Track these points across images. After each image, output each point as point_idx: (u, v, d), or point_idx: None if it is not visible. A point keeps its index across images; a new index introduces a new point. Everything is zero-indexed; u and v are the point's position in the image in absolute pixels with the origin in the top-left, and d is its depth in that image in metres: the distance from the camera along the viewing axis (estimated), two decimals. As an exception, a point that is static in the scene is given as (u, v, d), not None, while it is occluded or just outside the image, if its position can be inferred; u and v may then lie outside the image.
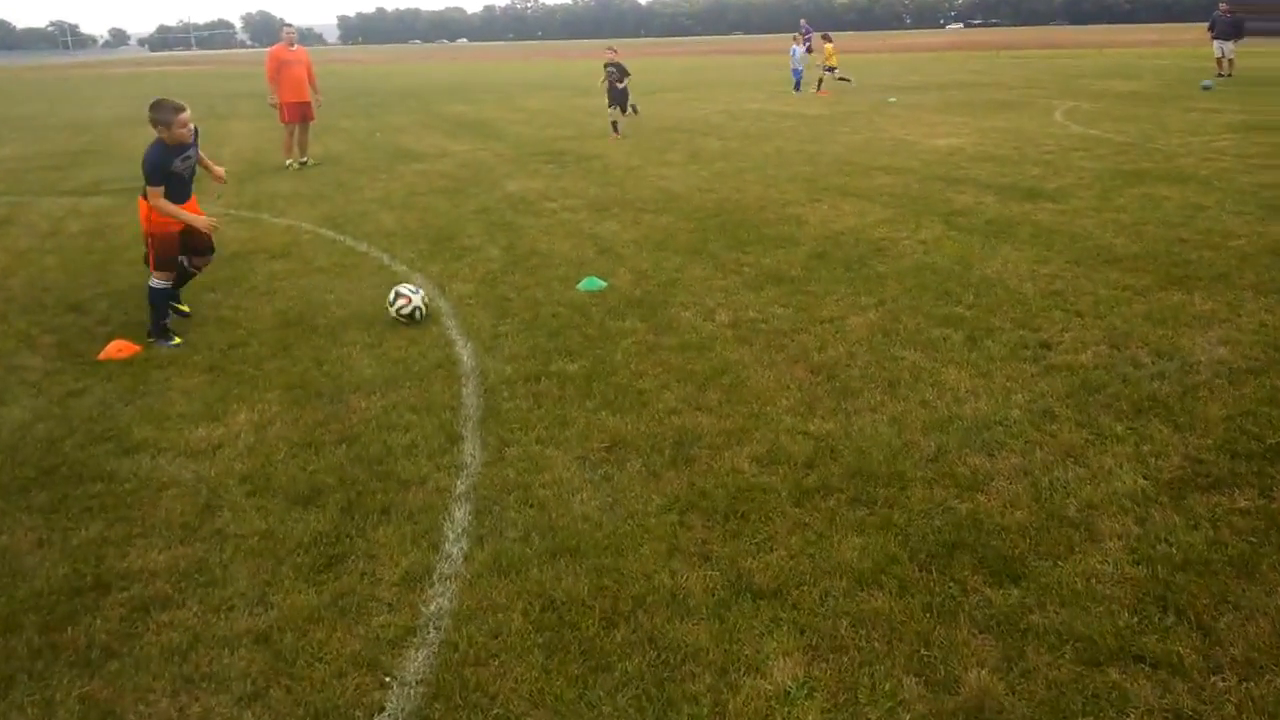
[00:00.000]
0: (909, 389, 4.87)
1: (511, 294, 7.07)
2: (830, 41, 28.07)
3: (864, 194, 10.29)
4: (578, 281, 7.25)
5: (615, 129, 16.82)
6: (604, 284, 7.15)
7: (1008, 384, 4.88)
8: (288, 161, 14.43)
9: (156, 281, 6.32)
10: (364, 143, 17.71)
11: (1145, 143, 13.42)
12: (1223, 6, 27.65)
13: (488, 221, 9.78)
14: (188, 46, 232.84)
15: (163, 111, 6.00)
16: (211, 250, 6.76)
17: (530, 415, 4.79)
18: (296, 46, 14.20)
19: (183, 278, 6.72)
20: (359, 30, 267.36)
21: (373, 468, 4.31)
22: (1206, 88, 22.41)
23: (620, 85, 16.86)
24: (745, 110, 21.86)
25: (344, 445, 4.57)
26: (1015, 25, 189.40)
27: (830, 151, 13.96)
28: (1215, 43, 27.42)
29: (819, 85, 26.47)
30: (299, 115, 14.24)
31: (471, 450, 4.44)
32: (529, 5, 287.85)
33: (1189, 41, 63.79)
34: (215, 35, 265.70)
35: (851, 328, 5.87)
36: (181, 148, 6.17)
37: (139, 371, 5.76)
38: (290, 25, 14.46)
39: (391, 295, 6.47)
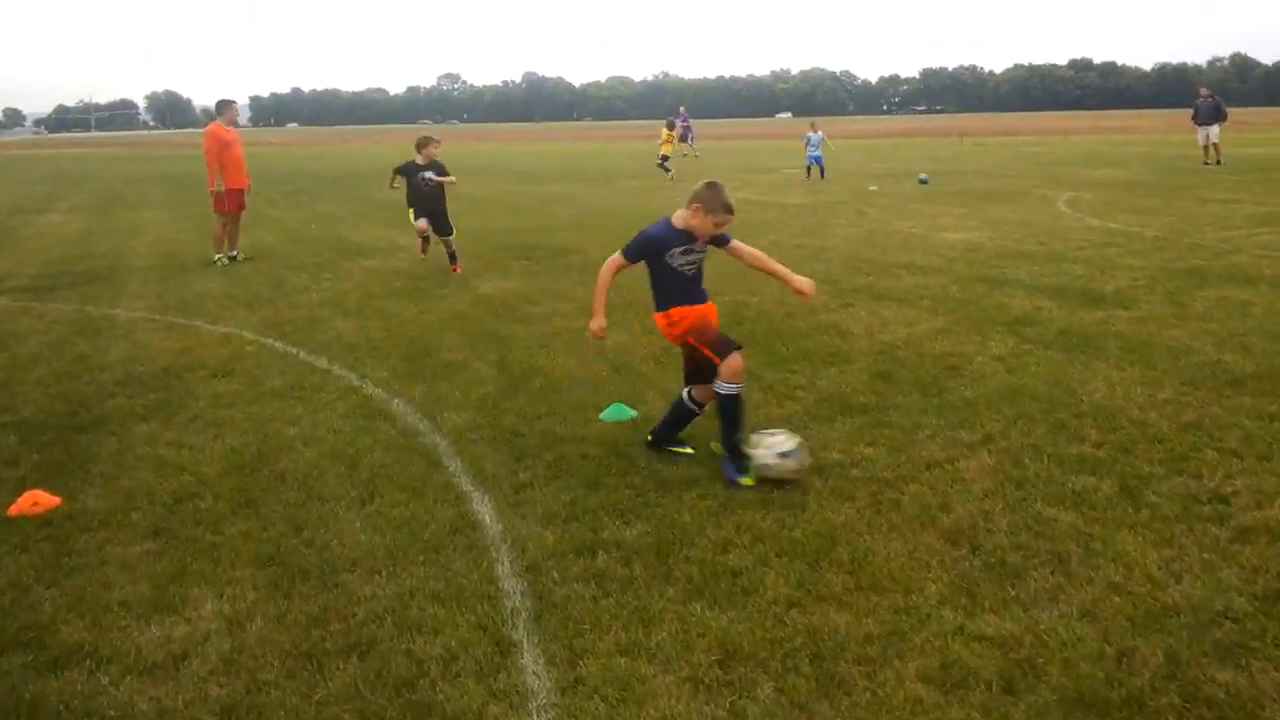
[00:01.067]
0: (1085, 566, 4.08)
1: (522, 426, 6.18)
2: (674, 129, 29.97)
3: (900, 297, 9.70)
4: (600, 410, 6.41)
5: None
6: (633, 413, 6.32)
7: (1205, 556, 4.12)
8: (216, 256, 13.47)
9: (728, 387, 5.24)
10: (299, 234, 16.85)
11: (1179, 237, 13.23)
12: (1204, 91, 28.56)
13: (468, 331, 8.93)
14: (87, 128, 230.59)
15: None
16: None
17: (599, 609, 3.88)
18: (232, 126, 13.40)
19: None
20: (273, 111, 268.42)
21: (403, 696, 3.34)
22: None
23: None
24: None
25: (355, 658, 3.59)
26: (961, 112, 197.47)
27: (835, 246, 13.49)
28: (1199, 129, 28.20)
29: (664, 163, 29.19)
30: (238, 205, 13.35)
31: (533, 666, 3.50)
32: (455, 86, 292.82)
33: (1151, 128, 66.90)
34: (116, 116, 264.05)
35: (969, 475, 5.10)
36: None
37: (61, 535, 4.73)
38: (233, 100, 13.66)
39: (771, 449, 5.06)
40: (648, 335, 8.44)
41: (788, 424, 5.88)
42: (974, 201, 19.26)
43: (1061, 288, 9.94)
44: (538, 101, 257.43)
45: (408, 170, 12.22)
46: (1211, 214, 15.85)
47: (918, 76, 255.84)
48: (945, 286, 10.18)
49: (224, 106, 13.41)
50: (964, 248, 12.96)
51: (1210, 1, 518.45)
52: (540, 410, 6.50)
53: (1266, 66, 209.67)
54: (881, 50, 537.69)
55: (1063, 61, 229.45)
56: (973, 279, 10.56)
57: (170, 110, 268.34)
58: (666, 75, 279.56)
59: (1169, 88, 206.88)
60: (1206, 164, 27.49)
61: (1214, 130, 27.90)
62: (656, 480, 5.20)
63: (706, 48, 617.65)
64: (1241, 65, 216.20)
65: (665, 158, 29.85)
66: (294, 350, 8.39)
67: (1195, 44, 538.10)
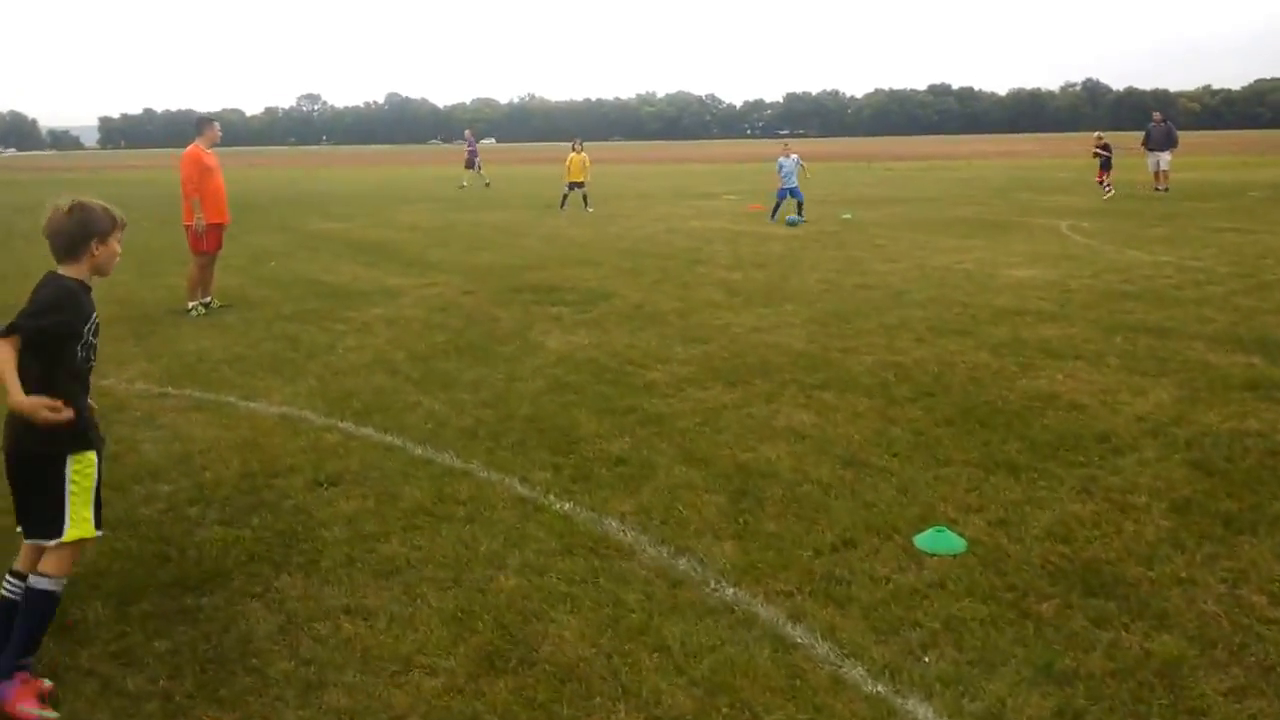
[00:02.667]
0: None
1: (810, 559, 4.59)
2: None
3: (1072, 354, 8.43)
4: (905, 533, 4.87)
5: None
6: (962, 544, 4.77)
7: None
8: (191, 305, 11.24)
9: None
10: (261, 275, 14.60)
11: (1248, 273, 12.52)
12: (1156, 116, 28.68)
13: (592, 405, 7.23)
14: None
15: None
16: None
17: None
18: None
19: None
20: (122, 133, 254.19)
21: None
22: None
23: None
24: (696, 229, 20.16)
25: None
26: (823, 135, 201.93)
27: (893, 284, 12.26)
28: (1150, 155, 28.22)
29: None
30: (217, 243, 11.21)
31: None
32: (315, 107, 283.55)
33: (1027, 153, 69.09)
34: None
35: None
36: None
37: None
38: (213, 119, 11.47)
39: None
40: (834, 415, 6.94)
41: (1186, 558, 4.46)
42: (973, 232, 18.41)
43: (1226, 335, 8.91)
44: (401, 123, 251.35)
45: None
46: (1229, 243, 15.42)
47: (781, 100, 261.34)
48: (1107, 338, 8.98)
49: (204, 125, 11.17)
50: (1041, 285, 11.92)
51: (1063, 29, 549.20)
52: (803, 529, 4.95)
53: (1117, 92, 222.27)
54: (746, 75, 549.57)
55: (922, 87, 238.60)
56: (1121, 327, 9.41)
57: (15, 131, 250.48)
58: (533, 97, 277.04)
59: (1024, 112, 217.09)
60: (1157, 189, 27.59)
61: (1165, 157, 27.99)
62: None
63: (573, 70, 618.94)
64: (1093, 90, 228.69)
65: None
66: (393, 439, 6.54)
67: (1049, 70, 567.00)
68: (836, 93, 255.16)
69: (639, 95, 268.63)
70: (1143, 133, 28.90)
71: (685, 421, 6.80)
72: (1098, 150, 28.28)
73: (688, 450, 6.20)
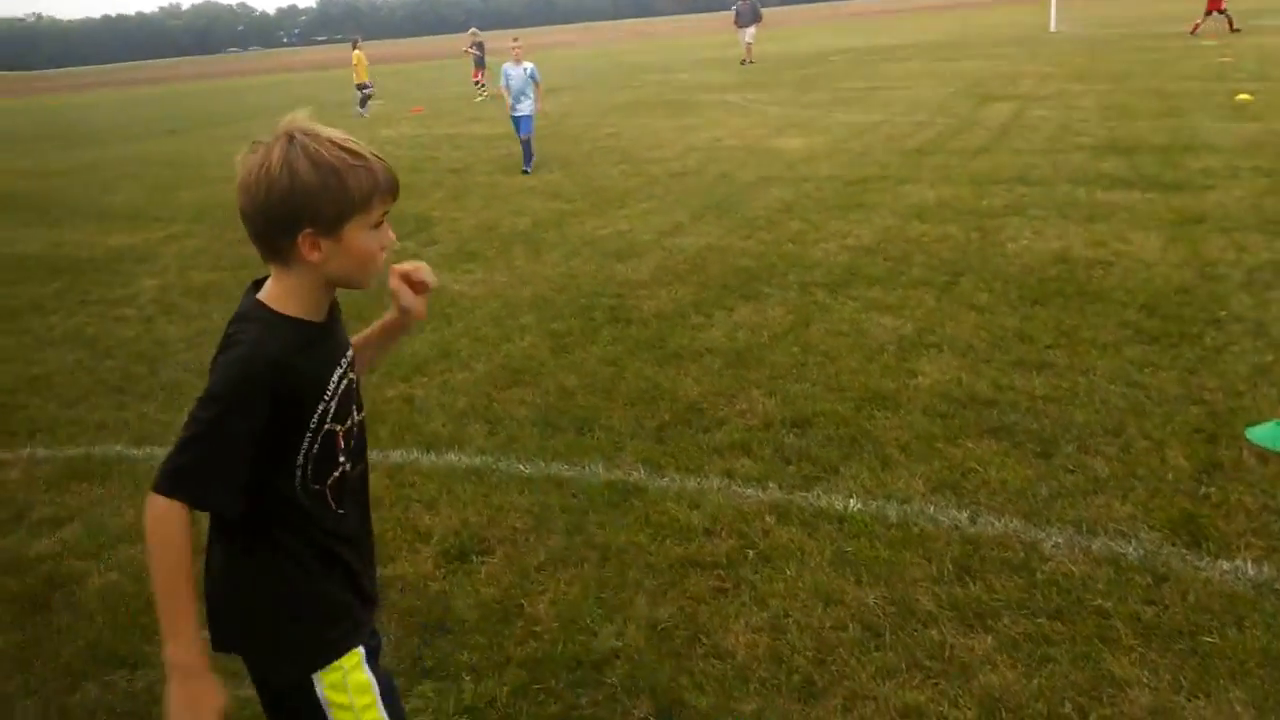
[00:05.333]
0: None
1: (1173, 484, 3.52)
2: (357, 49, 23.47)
3: (985, 209, 7.89)
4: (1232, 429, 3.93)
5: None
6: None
7: None
8: None
9: None
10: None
11: (954, 119, 12.92)
12: (741, -6, 29.35)
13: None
14: None
15: None
16: None
17: None
18: None
19: None
20: None
21: None
22: None
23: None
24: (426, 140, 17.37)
25: None
26: (369, 39, 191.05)
27: (704, 169, 11.08)
28: (740, 30, 29.00)
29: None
30: None
31: None
32: None
33: (567, 43, 69.52)
34: None
35: None
36: None
37: None
38: None
39: None
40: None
41: None
42: (679, 111, 17.58)
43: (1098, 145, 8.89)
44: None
45: None
46: (894, 98, 16.12)
47: (316, 6, 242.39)
48: (982, 190, 8.56)
49: None
50: (847, 152, 11.39)
51: None
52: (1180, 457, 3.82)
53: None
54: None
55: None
56: (974, 179, 9.06)
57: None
58: (40, 17, 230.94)
59: (537, 9, 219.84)
60: (743, 63, 28.46)
61: (750, 31, 28.92)
62: None
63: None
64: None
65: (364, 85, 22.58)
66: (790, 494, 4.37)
67: None
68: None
69: (162, 8, 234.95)
70: (732, 11, 29.70)
71: (781, 355, 5.26)
72: (469, 49, 25.59)
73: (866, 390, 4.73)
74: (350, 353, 1.79)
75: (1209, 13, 24.21)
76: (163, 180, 14.28)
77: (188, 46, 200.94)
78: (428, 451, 4.37)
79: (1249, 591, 3.05)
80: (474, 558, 3.53)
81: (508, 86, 12.34)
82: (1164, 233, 7.03)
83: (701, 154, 12.11)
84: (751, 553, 3.42)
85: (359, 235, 1.64)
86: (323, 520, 1.74)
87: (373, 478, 3.89)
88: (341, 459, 1.75)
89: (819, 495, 3.78)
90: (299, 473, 1.68)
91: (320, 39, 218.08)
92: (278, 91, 37.52)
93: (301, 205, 1.58)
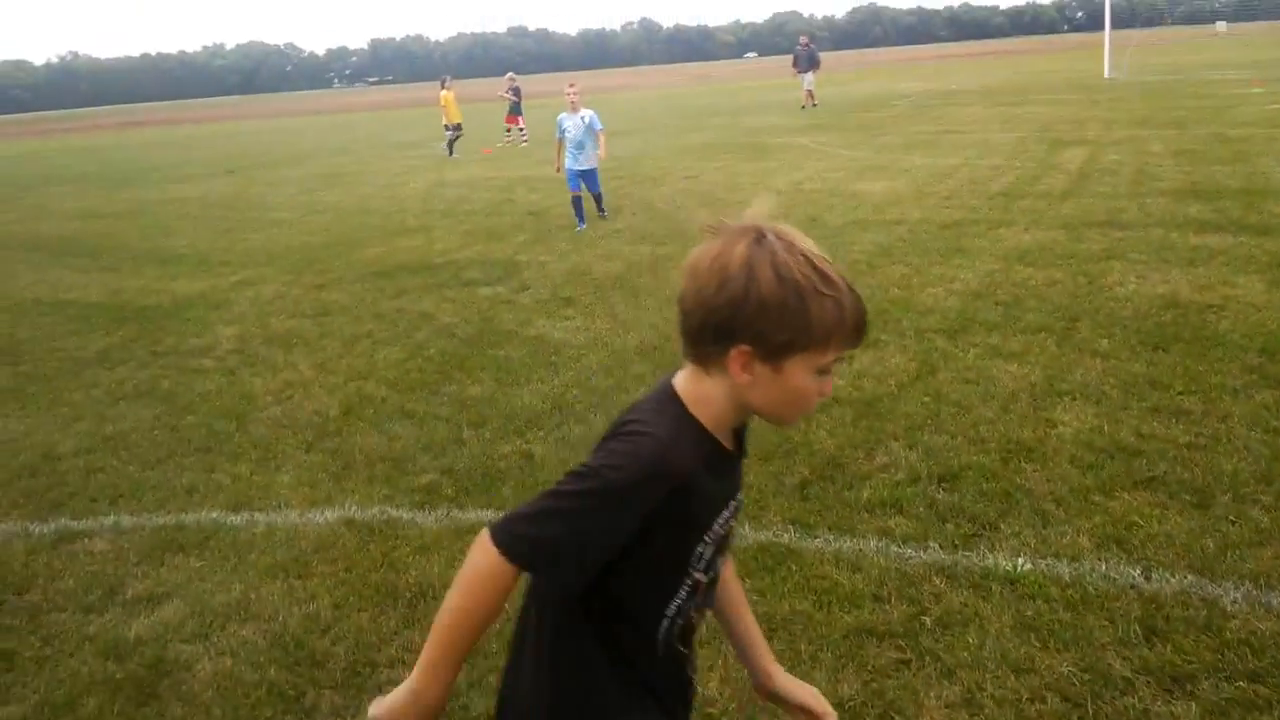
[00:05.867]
0: None
1: None
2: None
3: (1084, 253, 7.70)
4: None
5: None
6: None
7: None
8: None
9: None
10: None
11: (1030, 162, 12.71)
12: (803, 39, 29.59)
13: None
14: None
15: None
16: None
17: None
18: None
19: None
20: None
21: None
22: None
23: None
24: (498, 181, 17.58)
25: None
26: (410, 81, 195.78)
27: (794, 211, 11.01)
28: (800, 75, 29.17)
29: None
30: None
31: None
32: None
33: (635, 85, 70.28)
34: None
35: None
36: None
37: None
38: None
39: None
40: None
41: None
42: (754, 154, 17.60)
43: (1176, 189, 8.66)
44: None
45: None
46: (964, 141, 15.91)
47: (366, 47, 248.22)
48: (1079, 235, 8.36)
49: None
50: (928, 195, 11.25)
51: None
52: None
53: (668, 29, 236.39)
54: (327, 22, 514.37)
55: (502, 29, 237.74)
56: (1077, 223, 8.87)
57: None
58: (77, 56, 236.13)
59: (592, 53, 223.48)
60: (809, 105, 28.55)
61: (809, 77, 29.04)
62: None
63: (121, 22, 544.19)
64: (648, 27, 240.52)
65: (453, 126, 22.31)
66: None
67: (610, 10, 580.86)
68: (421, 37, 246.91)
69: (206, 48, 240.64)
70: (791, 56, 29.87)
71: (912, 405, 5.12)
72: (505, 94, 24.65)
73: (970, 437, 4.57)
74: (740, 498, 1.58)
75: None
76: (225, 222, 13.84)
77: (232, 87, 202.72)
78: None
79: None
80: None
81: (563, 139, 11.00)
82: (1265, 276, 6.85)
83: (785, 197, 12.03)
84: (927, 619, 3.27)
85: (800, 373, 1.38)
86: (651, 653, 1.53)
87: None
88: (693, 608, 1.55)
89: (983, 555, 3.63)
90: (646, 599, 1.50)
91: (371, 79, 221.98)
92: (336, 132, 37.96)
93: (749, 319, 1.33)
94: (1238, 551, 3.50)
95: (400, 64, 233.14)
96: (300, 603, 3.63)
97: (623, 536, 1.38)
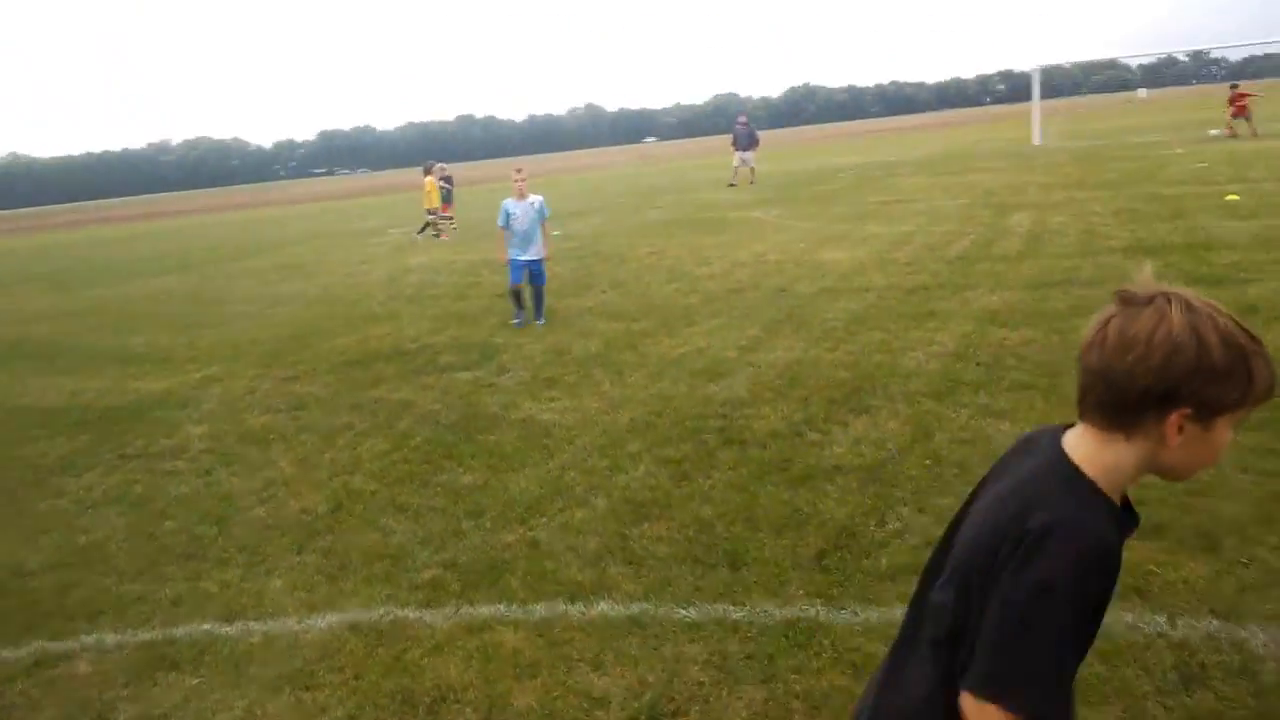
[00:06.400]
0: None
1: None
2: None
3: (1063, 311, 7.77)
4: None
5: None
6: None
7: None
8: None
9: None
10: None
11: (976, 230, 12.97)
12: (741, 118, 30.15)
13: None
14: None
15: None
16: None
17: None
18: None
19: None
20: None
21: None
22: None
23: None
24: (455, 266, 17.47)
25: None
26: (357, 170, 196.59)
27: (761, 283, 11.03)
28: (737, 154, 29.51)
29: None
30: None
31: None
32: None
33: (581, 167, 71.16)
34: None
35: None
36: None
37: None
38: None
39: None
40: None
41: None
42: (712, 229, 17.74)
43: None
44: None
45: None
46: (908, 211, 16.26)
47: (315, 139, 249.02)
48: (1046, 295, 8.45)
49: None
50: (890, 263, 11.36)
51: (562, 62, 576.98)
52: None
53: (612, 112, 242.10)
54: (276, 116, 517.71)
55: (450, 118, 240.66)
56: (1042, 282, 8.98)
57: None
58: (17, 157, 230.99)
59: (538, 137, 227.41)
60: (732, 184, 28.69)
61: (749, 155, 29.41)
62: None
63: (61, 123, 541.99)
64: (594, 112, 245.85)
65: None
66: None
67: (556, 97, 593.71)
68: (369, 127, 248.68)
69: (151, 145, 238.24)
70: (730, 135, 30.26)
71: (914, 468, 5.02)
72: (441, 182, 23.60)
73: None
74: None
75: (1235, 117, 26.91)
76: (184, 318, 13.39)
77: (176, 183, 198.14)
78: (573, 602, 3.99)
79: None
80: (666, 722, 3.19)
81: (509, 227, 9.91)
82: (1233, 325, 6.93)
83: (751, 269, 12.09)
84: (972, 688, 3.13)
85: (1225, 429, 1.40)
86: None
87: (517, 636, 3.63)
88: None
89: (1016, 620, 3.50)
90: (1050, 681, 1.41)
91: (318, 171, 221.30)
92: (290, 223, 37.23)
93: (1199, 384, 1.34)
94: (1256, 593, 3.53)
95: (348, 154, 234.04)
96: (311, 717, 3.37)
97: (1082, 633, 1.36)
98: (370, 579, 4.41)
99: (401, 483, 5.66)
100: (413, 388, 7.93)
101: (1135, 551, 3.83)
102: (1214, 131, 28.46)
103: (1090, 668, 3.13)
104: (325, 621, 4.05)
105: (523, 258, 9.97)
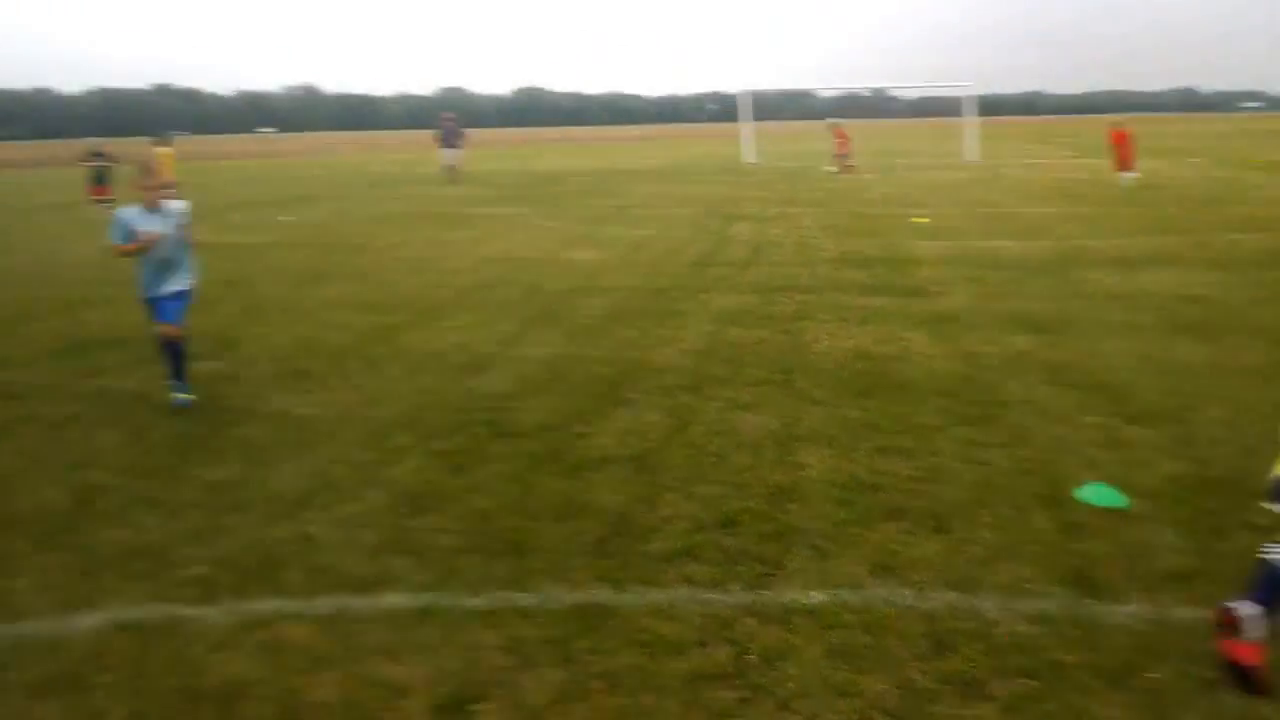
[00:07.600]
0: None
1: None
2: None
3: (780, 314, 8.48)
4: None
5: None
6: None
7: None
8: None
9: None
10: None
11: (708, 226, 13.89)
12: (447, 116, 29.42)
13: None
14: None
15: None
16: None
17: None
18: None
19: None
20: None
21: None
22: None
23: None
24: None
25: None
26: (37, 138, 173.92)
27: (517, 278, 11.07)
28: (442, 151, 28.72)
29: None
30: None
31: None
32: None
33: (291, 152, 67.31)
34: None
35: None
36: None
37: None
38: None
39: None
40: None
41: None
42: (454, 224, 17.44)
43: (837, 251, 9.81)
44: None
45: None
46: (641, 215, 17.06)
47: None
48: (774, 296, 9.21)
49: None
50: (642, 264, 11.80)
51: (278, 35, 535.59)
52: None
53: (334, 95, 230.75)
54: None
55: (146, 85, 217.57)
56: (767, 287, 9.74)
57: None
58: None
59: (250, 110, 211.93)
60: (453, 181, 27.74)
61: (453, 153, 28.56)
62: None
63: None
64: (312, 92, 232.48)
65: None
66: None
67: (272, 73, 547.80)
68: (49, 90, 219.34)
69: None
70: (437, 131, 29.38)
71: (677, 457, 5.33)
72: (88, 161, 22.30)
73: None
74: None
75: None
76: None
77: None
78: (359, 594, 3.89)
79: (1154, 629, 3.46)
80: (471, 706, 3.19)
81: (135, 243, 6.23)
82: (927, 329, 7.97)
83: (500, 266, 12.11)
84: (752, 657, 3.41)
85: None
86: None
87: (303, 630, 3.51)
88: None
89: (780, 591, 3.85)
90: None
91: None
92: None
93: None
94: (983, 567, 3.98)
95: (24, 121, 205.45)
96: (86, 721, 3.06)
97: None
98: (130, 576, 4.03)
99: (148, 476, 5.19)
100: (141, 377, 7.22)
101: (879, 533, 4.28)
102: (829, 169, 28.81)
103: (857, 638, 3.47)
104: (87, 622, 3.66)
105: (164, 291, 6.44)
